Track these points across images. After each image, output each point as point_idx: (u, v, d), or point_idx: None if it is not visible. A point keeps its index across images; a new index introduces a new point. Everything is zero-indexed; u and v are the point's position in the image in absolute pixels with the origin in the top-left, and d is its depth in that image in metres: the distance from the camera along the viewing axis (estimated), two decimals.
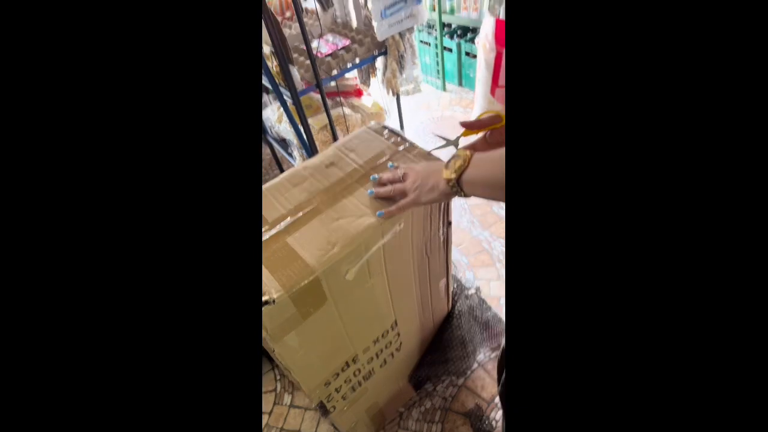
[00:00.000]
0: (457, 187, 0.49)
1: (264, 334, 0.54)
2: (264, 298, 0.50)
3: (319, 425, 1.22)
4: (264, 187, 0.68)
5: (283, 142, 1.47)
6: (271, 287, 0.52)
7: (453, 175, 0.49)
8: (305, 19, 1.49)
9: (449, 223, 0.76)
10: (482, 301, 1.10)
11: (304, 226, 0.59)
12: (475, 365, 1.26)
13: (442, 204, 0.69)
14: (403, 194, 0.57)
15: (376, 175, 0.62)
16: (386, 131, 0.74)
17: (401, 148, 0.70)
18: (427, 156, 0.66)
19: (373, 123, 0.75)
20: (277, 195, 0.65)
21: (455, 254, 1.60)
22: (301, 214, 0.61)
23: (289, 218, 0.61)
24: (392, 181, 0.59)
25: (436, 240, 0.76)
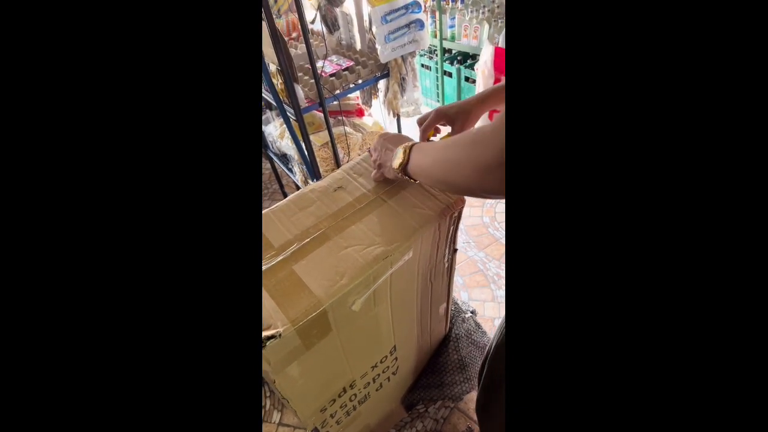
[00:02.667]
0: (406, 175, 0.57)
1: (266, 367, 0.53)
2: (270, 332, 0.50)
3: None
4: (270, 210, 0.67)
5: (284, 158, 1.47)
6: (277, 320, 0.51)
7: (397, 168, 0.56)
8: (311, 41, 1.51)
9: (455, 250, 0.76)
10: (478, 326, 1.10)
11: (311, 253, 0.59)
12: (468, 387, 1.26)
13: (450, 231, 0.70)
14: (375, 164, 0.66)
15: None
16: None
17: None
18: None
19: None
20: (284, 219, 0.65)
21: None
22: (308, 240, 0.61)
23: (296, 244, 0.60)
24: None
25: (440, 266, 0.77)
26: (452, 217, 0.66)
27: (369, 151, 0.69)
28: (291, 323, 0.52)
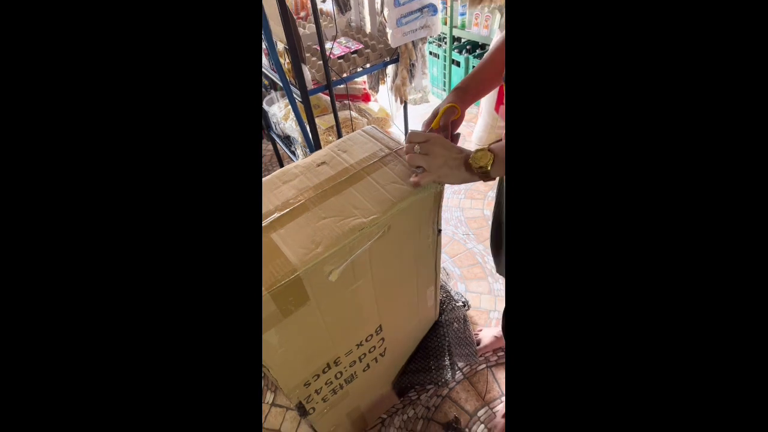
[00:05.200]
0: (488, 174, 0.59)
1: None
2: None
3: (300, 426, 1.22)
4: None
5: (287, 140, 1.48)
6: None
7: (486, 165, 0.58)
8: (321, 21, 1.51)
9: (439, 231, 0.75)
10: (465, 319, 1.10)
11: (289, 222, 0.59)
12: (460, 376, 1.26)
13: (434, 211, 0.69)
14: (425, 167, 0.62)
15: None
16: (379, 134, 0.74)
17: (394, 150, 0.70)
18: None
19: (367, 127, 0.76)
20: (267, 192, 0.66)
21: (449, 265, 1.60)
22: (287, 210, 0.61)
23: (276, 213, 0.61)
24: (409, 152, 0.64)
25: (425, 246, 0.76)
26: (434, 195, 0.65)
27: (407, 154, 0.64)
28: (265, 288, 0.52)
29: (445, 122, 0.71)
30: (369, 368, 0.93)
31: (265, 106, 1.63)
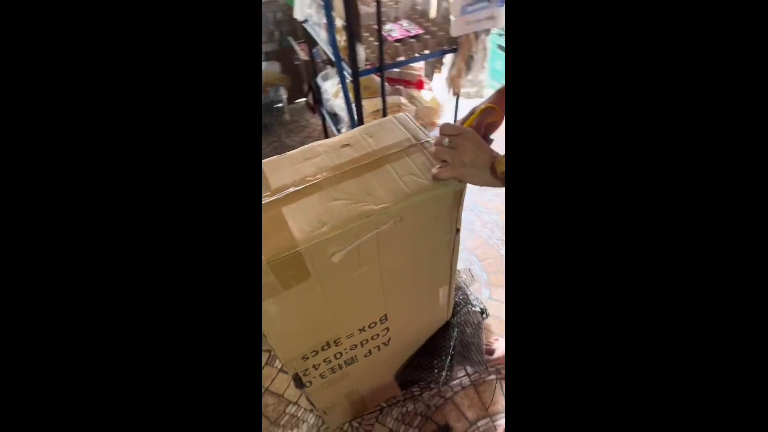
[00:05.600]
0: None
1: None
2: None
3: (302, 396, 1.25)
4: (280, 156, 0.69)
5: (335, 117, 1.49)
6: None
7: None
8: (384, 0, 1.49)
9: (457, 230, 0.73)
10: (479, 325, 1.06)
11: (301, 199, 0.60)
12: (467, 382, 1.23)
13: (454, 209, 0.66)
14: (450, 161, 0.59)
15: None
16: (410, 123, 0.72)
17: (422, 141, 0.68)
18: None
19: (399, 114, 0.74)
20: (288, 166, 0.66)
21: (476, 268, 1.55)
22: (302, 187, 0.61)
23: (291, 188, 0.61)
24: (439, 144, 0.61)
25: (441, 244, 0.74)
26: (454, 193, 0.62)
27: (435, 145, 0.62)
28: (265, 258, 0.53)
29: (479, 123, 0.68)
30: (371, 354, 0.93)
31: (319, 80, 1.65)
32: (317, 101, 1.70)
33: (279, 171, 0.66)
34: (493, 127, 0.73)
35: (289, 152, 0.69)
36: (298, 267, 0.57)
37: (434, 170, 0.60)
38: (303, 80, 2.31)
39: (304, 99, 2.64)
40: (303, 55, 1.90)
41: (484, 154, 0.58)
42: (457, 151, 0.58)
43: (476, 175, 0.58)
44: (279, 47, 2.44)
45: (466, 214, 1.79)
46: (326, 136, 1.76)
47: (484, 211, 1.80)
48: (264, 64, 2.37)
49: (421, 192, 0.59)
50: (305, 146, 0.70)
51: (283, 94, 2.43)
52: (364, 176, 0.62)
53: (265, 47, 2.42)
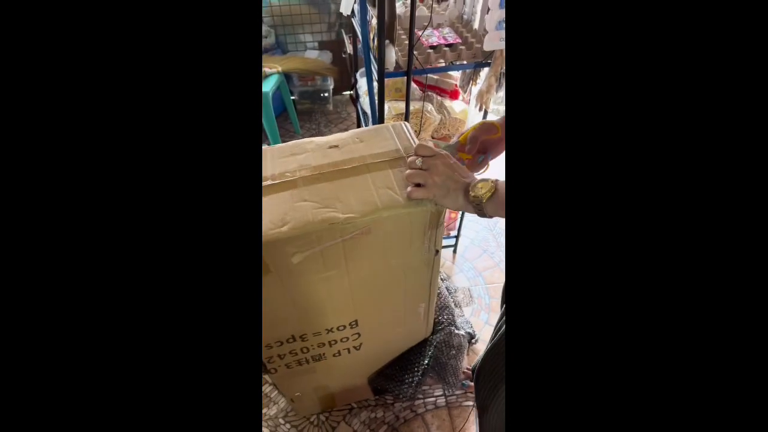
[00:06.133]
0: (482, 208, 0.54)
1: None
2: None
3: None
4: (270, 147, 0.70)
5: (365, 115, 1.49)
6: None
7: (482, 197, 0.53)
8: (435, 6, 1.46)
9: (437, 251, 0.71)
10: (461, 347, 1.03)
11: (273, 194, 0.60)
12: (442, 402, 1.20)
13: (427, 229, 0.65)
14: (422, 183, 0.58)
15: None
16: (405, 134, 0.70)
17: (410, 155, 0.66)
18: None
19: (398, 123, 0.72)
20: (274, 158, 0.67)
21: (481, 290, 1.51)
22: (278, 182, 0.62)
23: (268, 181, 0.62)
24: (412, 166, 0.60)
25: (417, 262, 0.72)
26: (430, 213, 0.61)
27: (408, 166, 0.61)
28: None
29: (476, 136, 0.66)
30: (340, 355, 0.93)
31: (358, 75, 1.65)
32: (357, 96, 1.71)
33: (265, 162, 0.66)
34: (493, 145, 0.70)
35: (281, 144, 0.70)
36: None
37: (408, 189, 0.59)
38: (350, 73, 2.33)
39: (349, 92, 2.67)
40: (349, 48, 1.92)
41: (457, 176, 0.56)
42: (429, 173, 0.56)
43: (448, 198, 0.56)
44: (335, 38, 2.48)
45: (482, 233, 1.74)
46: None
47: (500, 233, 1.74)
48: (317, 53, 2.42)
49: (392, 208, 0.58)
50: (297, 140, 0.70)
51: (331, 84, 2.46)
52: (341, 181, 0.62)
53: (322, 36, 2.46)
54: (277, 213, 0.57)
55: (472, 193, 0.53)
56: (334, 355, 0.92)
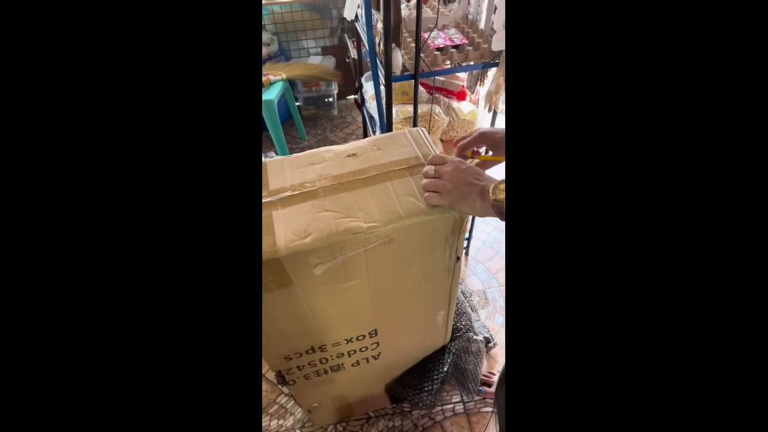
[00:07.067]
0: (503, 210, 0.52)
1: None
2: None
3: None
4: (287, 157, 0.69)
5: (372, 119, 1.48)
6: None
7: (502, 200, 0.51)
8: (438, 6, 1.45)
9: (458, 258, 0.69)
10: (479, 353, 1.01)
11: (294, 205, 0.59)
12: (461, 409, 1.18)
13: (448, 236, 0.63)
14: (437, 189, 0.57)
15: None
16: (423, 140, 0.69)
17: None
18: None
19: (415, 128, 0.71)
20: (292, 168, 0.66)
21: (495, 293, 1.49)
22: (298, 192, 0.61)
23: (288, 192, 0.61)
24: (426, 176, 0.59)
25: (438, 269, 0.71)
26: (452, 220, 0.59)
27: (423, 176, 0.60)
28: None
29: (482, 134, 0.64)
30: (359, 365, 0.91)
31: (363, 80, 1.64)
32: (362, 100, 1.70)
33: (282, 172, 0.65)
34: (499, 143, 0.69)
35: (298, 154, 0.69)
36: (278, 273, 0.56)
37: (425, 195, 0.58)
38: (354, 78, 2.33)
39: (353, 96, 2.66)
40: (353, 53, 1.91)
41: (470, 178, 0.55)
42: (442, 180, 0.56)
43: (464, 204, 0.55)
44: (338, 43, 2.47)
45: (493, 234, 1.73)
46: (365, 136, 1.76)
47: None
48: (320, 58, 2.41)
49: (414, 215, 0.57)
50: (315, 150, 0.69)
51: (335, 89, 2.46)
52: (362, 190, 0.60)
53: (325, 42, 2.46)
54: (299, 224, 0.56)
55: (492, 197, 0.52)
56: (352, 365, 0.91)
